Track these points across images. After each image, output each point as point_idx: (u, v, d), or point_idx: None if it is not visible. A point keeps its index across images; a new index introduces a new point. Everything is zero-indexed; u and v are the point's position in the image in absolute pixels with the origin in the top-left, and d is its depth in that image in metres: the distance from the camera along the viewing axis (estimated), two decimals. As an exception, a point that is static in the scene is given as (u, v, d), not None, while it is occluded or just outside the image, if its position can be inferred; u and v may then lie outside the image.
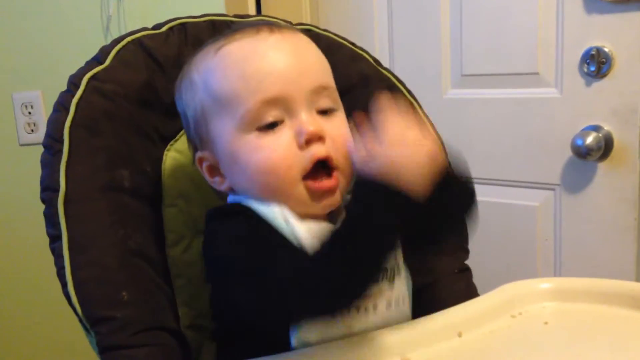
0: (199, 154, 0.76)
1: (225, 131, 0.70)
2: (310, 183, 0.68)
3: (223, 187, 0.75)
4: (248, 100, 0.68)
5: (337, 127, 0.70)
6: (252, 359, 0.64)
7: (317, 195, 0.68)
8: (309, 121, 0.68)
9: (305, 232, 0.67)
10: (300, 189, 0.68)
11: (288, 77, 0.68)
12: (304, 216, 0.69)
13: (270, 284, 0.61)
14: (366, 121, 0.61)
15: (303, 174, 0.68)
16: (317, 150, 0.67)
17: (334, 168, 0.69)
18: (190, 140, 0.78)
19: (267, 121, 0.68)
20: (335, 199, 0.70)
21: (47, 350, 1.77)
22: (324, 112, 0.70)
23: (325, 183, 0.68)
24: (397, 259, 0.74)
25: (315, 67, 0.72)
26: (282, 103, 0.68)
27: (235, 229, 0.68)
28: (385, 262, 0.65)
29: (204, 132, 0.73)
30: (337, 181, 0.69)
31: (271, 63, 0.68)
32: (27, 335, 1.78)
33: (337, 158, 0.69)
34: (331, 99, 0.71)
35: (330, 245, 0.61)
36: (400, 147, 0.58)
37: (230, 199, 0.75)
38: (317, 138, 0.67)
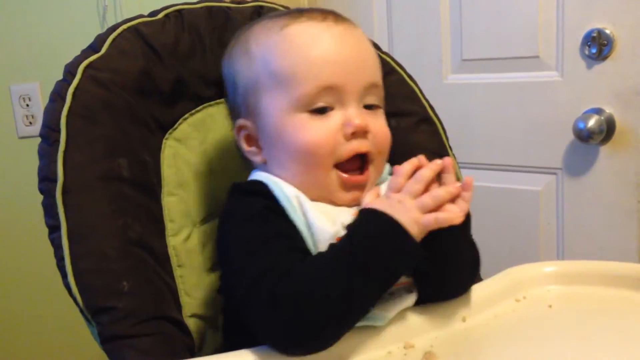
0: (240, 122, 0.77)
1: (276, 107, 0.72)
2: (342, 174, 0.71)
3: (258, 159, 0.76)
4: (306, 83, 0.70)
5: (380, 124, 0.74)
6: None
7: (347, 186, 0.72)
8: (357, 114, 0.71)
9: (321, 215, 0.68)
10: (332, 176, 0.71)
11: (348, 69, 0.71)
12: (328, 202, 0.71)
13: (259, 278, 0.63)
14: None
15: (338, 162, 0.71)
16: (359, 145, 0.71)
17: (370, 162, 0.72)
18: (231, 106, 0.80)
19: (319, 105, 0.71)
20: (362, 195, 0.72)
21: (50, 342, 1.77)
22: (369, 107, 0.73)
23: (357, 178, 0.72)
24: None
25: (372, 65, 0.75)
26: (337, 92, 0.71)
27: (250, 208, 0.70)
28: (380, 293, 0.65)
29: (252, 103, 0.75)
30: (368, 178, 0.72)
31: (335, 52, 0.71)
32: (29, 328, 1.78)
33: (375, 153, 0.72)
34: (378, 97, 0.75)
35: (327, 262, 0.63)
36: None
37: (254, 174, 0.76)
38: (362, 132, 0.71)
